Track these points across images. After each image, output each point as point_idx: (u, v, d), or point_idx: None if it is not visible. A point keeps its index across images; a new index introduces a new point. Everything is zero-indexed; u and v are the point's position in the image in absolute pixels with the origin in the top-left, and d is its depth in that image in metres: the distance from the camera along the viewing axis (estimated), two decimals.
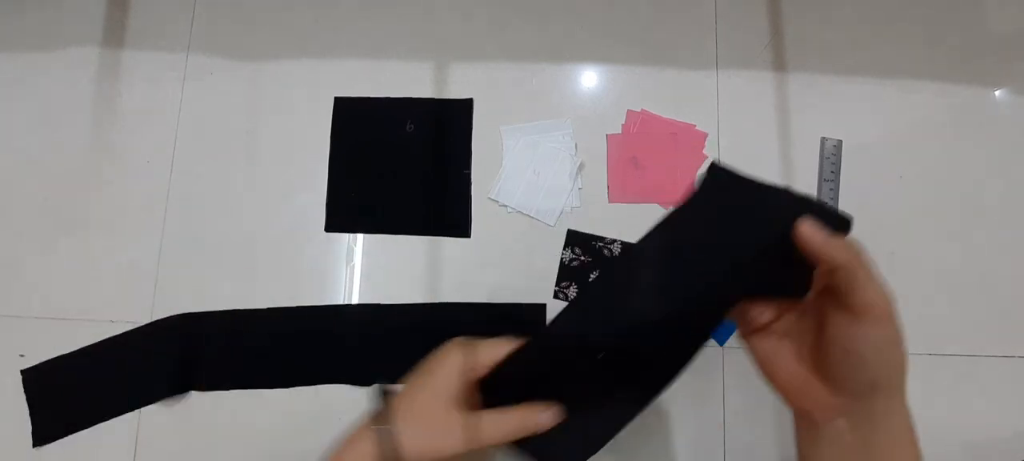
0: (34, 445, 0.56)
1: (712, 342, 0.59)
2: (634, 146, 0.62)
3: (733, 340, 0.59)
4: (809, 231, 0.32)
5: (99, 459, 0.57)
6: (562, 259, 0.60)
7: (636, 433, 0.58)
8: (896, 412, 0.33)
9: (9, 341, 0.59)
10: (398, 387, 0.36)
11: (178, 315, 0.58)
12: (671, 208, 0.36)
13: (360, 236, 0.61)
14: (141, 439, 0.57)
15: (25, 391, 0.57)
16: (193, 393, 0.57)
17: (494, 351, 0.36)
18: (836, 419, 0.33)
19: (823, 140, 0.62)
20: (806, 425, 0.35)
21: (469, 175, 0.61)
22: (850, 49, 0.64)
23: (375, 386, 0.36)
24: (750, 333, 0.36)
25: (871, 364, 0.32)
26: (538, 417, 0.36)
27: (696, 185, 0.36)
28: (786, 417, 0.59)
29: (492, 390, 0.36)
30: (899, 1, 0.65)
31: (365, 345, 0.58)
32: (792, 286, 0.34)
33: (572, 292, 0.59)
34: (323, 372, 0.58)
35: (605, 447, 0.58)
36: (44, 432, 0.57)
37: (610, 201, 0.61)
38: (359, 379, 0.58)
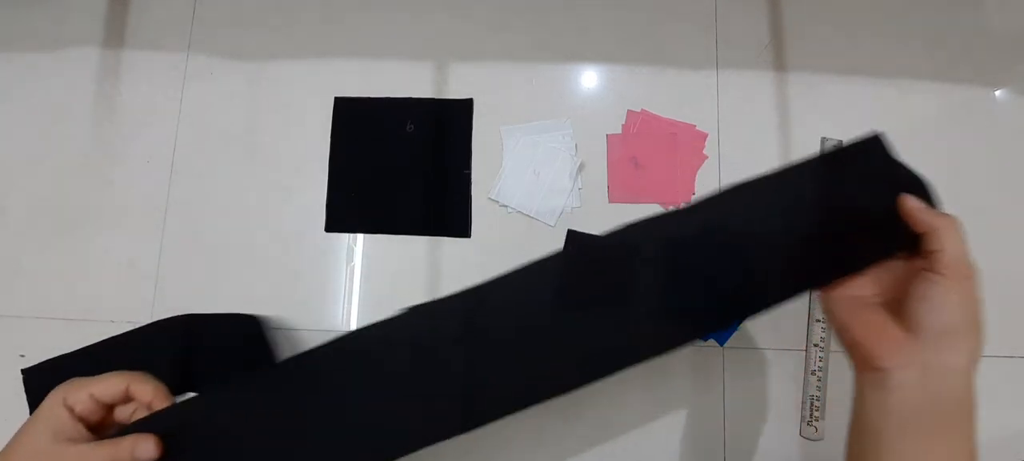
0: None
1: (712, 342, 0.59)
2: (634, 146, 0.62)
3: (733, 340, 0.59)
4: (913, 205, 0.38)
5: None
6: None
7: (636, 433, 0.58)
8: (963, 376, 0.34)
9: (9, 341, 0.59)
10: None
11: (182, 315, 0.58)
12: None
13: (360, 236, 0.61)
14: None
15: (26, 390, 0.57)
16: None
17: (97, 385, 0.39)
18: (908, 367, 0.34)
19: (823, 140, 0.62)
20: (872, 375, 0.36)
21: (469, 175, 0.61)
22: (850, 49, 0.64)
23: None
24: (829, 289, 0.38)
25: (950, 310, 0.34)
26: (136, 448, 0.37)
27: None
28: (786, 417, 0.59)
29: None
30: (899, 1, 0.65)
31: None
32: (878, 249, 0.38)
33: None
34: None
35: (604, 447, 0.58)
36: None
37: (610, 201, 0.61)
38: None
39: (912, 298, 0.36)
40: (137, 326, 0.58)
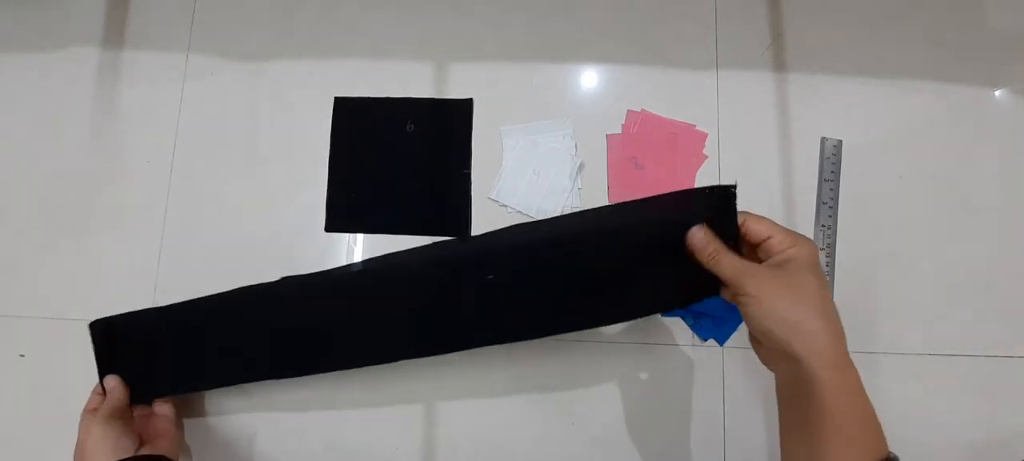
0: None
1: (712, 342, 0.59)
2: (634, 146, 0.62)
3: (733, 340, 0.59)
4: (695, 242, 0.43)
5: None
6: None
7: (636, 432, 0.58)
8: (820, 381, 0.37)
9: (9, 341, 0.59)
10: None
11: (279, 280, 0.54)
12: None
13: (360, 236, 0.61)
14: None
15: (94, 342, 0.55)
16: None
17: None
18: (778, 375, 0.41)
19: (823, 140, 0.62)
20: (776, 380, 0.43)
21: (469, 175, 0.61)
22: (850, 49, 0.64)
23: None
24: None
25: (760, 332, 0.40)
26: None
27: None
28: None
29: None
30: (899, 1, 0.65)
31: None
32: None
33: None
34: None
35: (604, 447, 0.58)
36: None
37: (610, 201, 0.61)
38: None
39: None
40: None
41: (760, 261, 0.42)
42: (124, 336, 0.54)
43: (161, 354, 0.54)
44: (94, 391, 0.54)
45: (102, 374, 0.54)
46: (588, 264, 0.46)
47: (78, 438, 0.50)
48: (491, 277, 0.47)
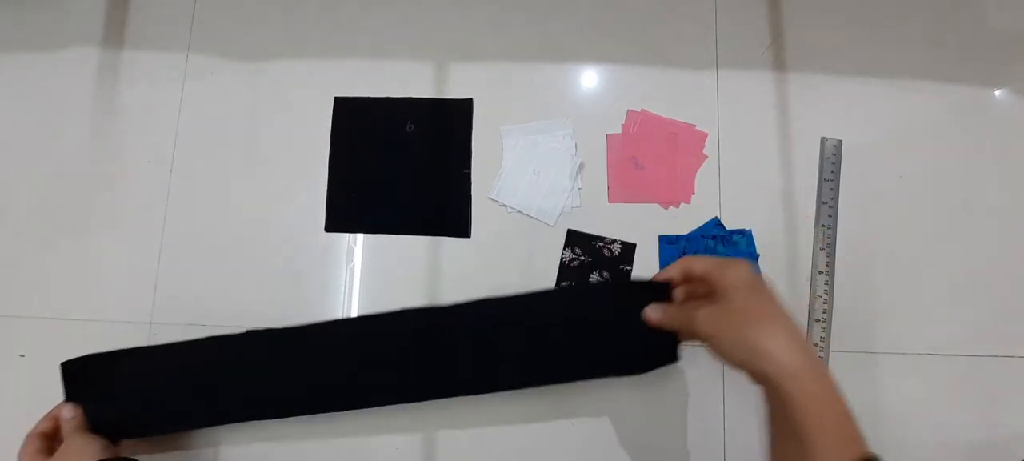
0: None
1: None
2: (634, 146, 0.62)
3: None
4: (651, 317, 0.48)
5: None
6: (562, 259, 0.60)
7: (637, 433, 0.58)
8: (791, 394, 0.38)
9: (9, 341, 0.59)
10: None
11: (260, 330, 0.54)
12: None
13: (360, 236, 0.61)
14: None
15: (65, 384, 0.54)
16: None
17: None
18: (762, 391, 0.42)
19: (823, 140, 0.62)
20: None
21: (469, 175, 0.61)
22: (850, 49, 0.64)
23: None
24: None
25: (731, 365, 0.43)
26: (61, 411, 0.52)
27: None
28: None
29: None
30: (899, 1, 0.65)
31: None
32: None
33: None
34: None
35: (604, 447, 0.58)
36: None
37: (610, 201, 0.61)
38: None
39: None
40: (136, 325, 0.58)
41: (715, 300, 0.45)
42: (94, 377, 0.53)
43: (140, 396, 0.53)
44: (46, 416, 0.52)
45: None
46: (548, 334, 0.52)
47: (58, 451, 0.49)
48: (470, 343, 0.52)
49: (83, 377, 0.53)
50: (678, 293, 0.48)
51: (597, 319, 0.51)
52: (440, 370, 0.52)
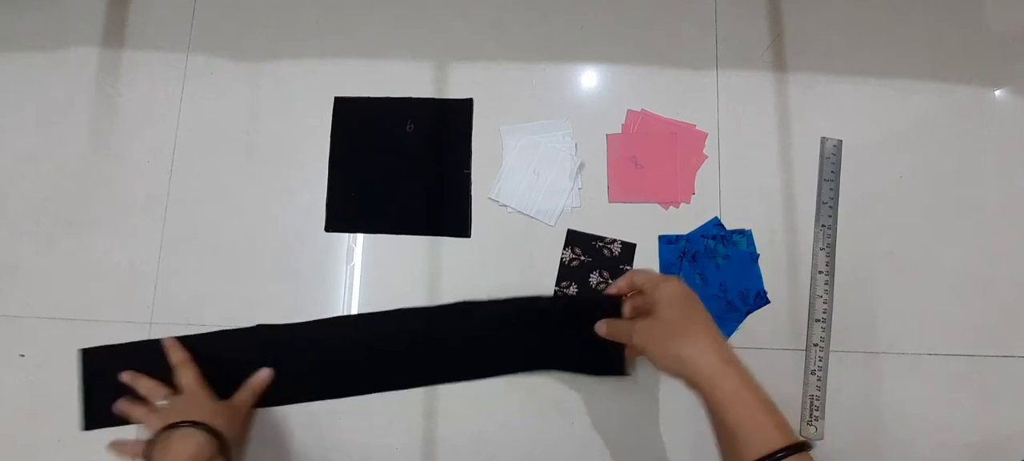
0: (85, 428, 0.56)
1: None
2: (634, 146, 0.62)
3: (733, 340, 0.59)
4: (603, 329, 0.51)
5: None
6: (562, 259, 0.60)
7: (636, 432, 0.58)
8: (712, 397, 0.42)
9: (9, 341, 0.59)
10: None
11: (257, 326, 0.58)
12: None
13: (360, 236, 0.61)
14: None
15: (82, 371, 0.57)
16: None
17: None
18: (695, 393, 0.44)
19: (823, 140, 0.62)
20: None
21: (469, 175, 0.61)
22: (850, 49, 0.64)
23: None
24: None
25: (659, 368, 0.46)
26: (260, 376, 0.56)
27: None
28: (785, 415, 0.59)
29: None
30: (899, 1, 0.65)
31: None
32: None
33: (572, 292, 0.59)
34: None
35: (603, 446, 0.59)
36: (96, 416, 0.56)
37: (610, 201, 0.61)
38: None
39: None
40: (137, 325, 0.58)
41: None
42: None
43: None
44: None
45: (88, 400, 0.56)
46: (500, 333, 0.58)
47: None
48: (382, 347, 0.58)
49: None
50: (627, 308, 0.51)
51: (551, 330, 0.56)
52: (415, 364, 0.58)
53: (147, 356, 0.56)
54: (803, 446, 0.39)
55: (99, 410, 0.56)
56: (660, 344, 0.45)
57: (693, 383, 0.43)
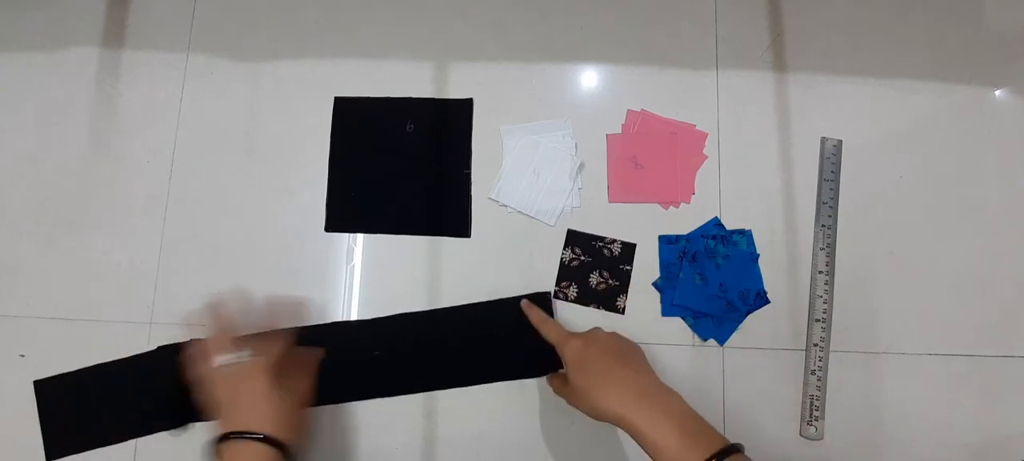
0: (48, 459, 0.57)
1: (712, 342, 0.59)
2: (634, 146, 0.62)
3: (733, 340, 0.59)
4: (532, 316, 0.55)
5: None
6: (562, 259, 0.60)
7: None
8: (630, 426, 0.44)
9: (9, 341, 0.59)
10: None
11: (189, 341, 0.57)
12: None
13: (360, 236, 0.61)
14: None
15: (38, 403, 0.57)
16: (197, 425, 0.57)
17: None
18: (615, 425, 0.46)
19: (823, 140, 0.62)
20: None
21: (469, 175, 0.61)
22: (850, 49, 0.64)
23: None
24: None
25: (569, 375, 0.49)
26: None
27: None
28: (786, 417, 0.59)
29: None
30: (899, 1, 0.65)
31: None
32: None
33: (572, 292, 0.59)
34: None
35: (603, 446, 0.59)
36: (57, 446, 0.57)
37: (610, 201, 0.61)
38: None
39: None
40: (136, 325, 0.58)
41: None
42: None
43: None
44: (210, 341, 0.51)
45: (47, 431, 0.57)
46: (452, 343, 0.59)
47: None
48: (377, 353, 0.58)
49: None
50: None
51: (497, 332, 0.58)
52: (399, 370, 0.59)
53: (98, 381, 0.57)
54: (732, 449, 0.42)
55: (59, 439, 0.57)
56: (579, 401, 0.48)
57: (617, 425, 0.45)
